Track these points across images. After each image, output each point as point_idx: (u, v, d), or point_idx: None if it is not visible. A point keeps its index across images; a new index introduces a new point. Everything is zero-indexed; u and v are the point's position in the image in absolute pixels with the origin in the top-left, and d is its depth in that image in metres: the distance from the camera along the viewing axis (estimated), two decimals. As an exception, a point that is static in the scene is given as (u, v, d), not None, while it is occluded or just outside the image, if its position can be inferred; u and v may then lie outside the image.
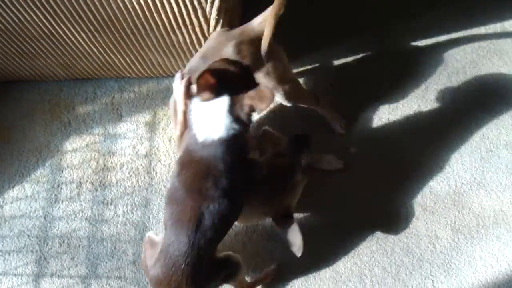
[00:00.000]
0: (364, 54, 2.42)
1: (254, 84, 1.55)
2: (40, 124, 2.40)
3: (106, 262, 2.15)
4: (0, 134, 2.40)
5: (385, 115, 2.30)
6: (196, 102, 1.57)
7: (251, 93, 1.51)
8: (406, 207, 2.16)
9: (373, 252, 2.10)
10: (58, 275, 2.15)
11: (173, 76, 2.33)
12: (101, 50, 2.11)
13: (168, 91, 2.39)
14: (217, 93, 1.52)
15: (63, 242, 2.20)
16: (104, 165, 2.32)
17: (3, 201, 2.28)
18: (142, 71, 2.29)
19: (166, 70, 2.27)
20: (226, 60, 1.61)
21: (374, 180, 2.20)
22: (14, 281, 2.15)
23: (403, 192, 2.18)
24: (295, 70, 2.37)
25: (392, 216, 2.15)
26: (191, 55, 2.10)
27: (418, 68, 2.38)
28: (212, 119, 1.55)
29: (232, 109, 1.53)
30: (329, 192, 2.18)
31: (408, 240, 2.11)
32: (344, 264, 2.09)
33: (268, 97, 1.50)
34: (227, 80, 1.52)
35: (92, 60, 2.19)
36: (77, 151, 2.34)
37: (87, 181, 2.24)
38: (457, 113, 2.29)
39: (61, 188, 2.27)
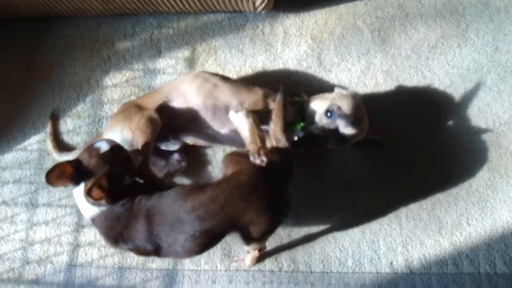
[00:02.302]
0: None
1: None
2: (80, 60, 2.42)
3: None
4: (42, 70, 2.43)
5: (424, 53, 2.28)
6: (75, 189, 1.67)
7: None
8: (442, 145, 2.16)
9: (409, 187, 2.12)
10: (100, 207, 2.21)
11: (212, 12, 2.35)
12: (141, -17, 2.11)
13: (207, 27, 2.40)
14: (76, 181, 1.64)
15: (105, 175, 2.25)
16: (144, 100, 2.33)
17: (46, 135, 2.32)
18: (181, 6, 2.28)
19: (206, 5, 2.25)
20: (88, 148, 1.67)
21: (412, 119, 2.20)
22: (59, 212, 2.22)
23: (441, 130, 2.19)
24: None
25: (429, 154, 2.16)
26: (231, -9, 2.10)
27: (459, 6, 2.34)
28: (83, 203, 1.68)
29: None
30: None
31: (445, 177, 2.13)
32: (381, 199, 2.12)
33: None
34: (81, 168, 1.63)
35: (132, -6, 2.19)
36: (117, 86, 2.35)
37: (127, 115, 2.24)
38: (498, 52, 2.27)
39: (102, 122, 2.30)
